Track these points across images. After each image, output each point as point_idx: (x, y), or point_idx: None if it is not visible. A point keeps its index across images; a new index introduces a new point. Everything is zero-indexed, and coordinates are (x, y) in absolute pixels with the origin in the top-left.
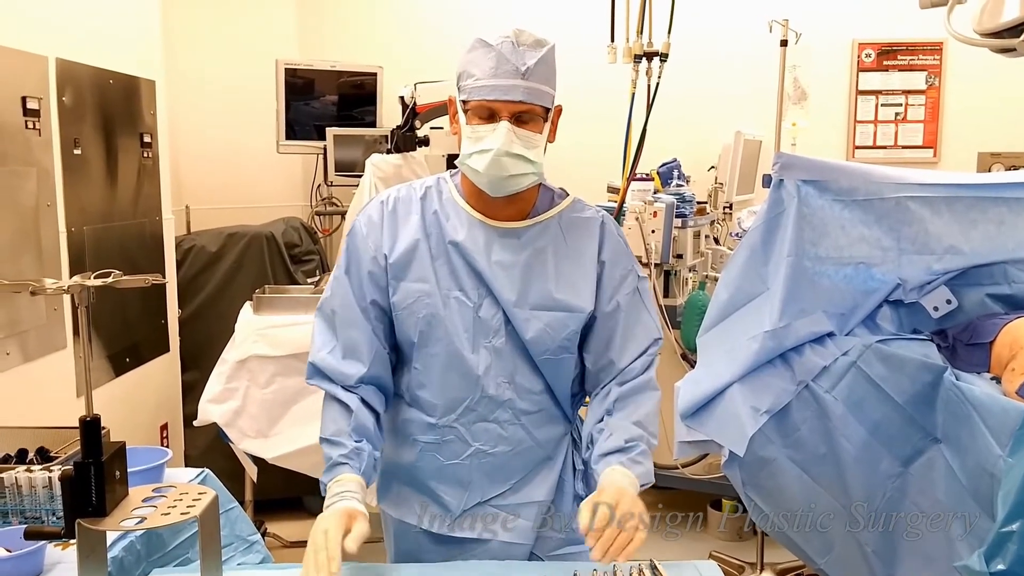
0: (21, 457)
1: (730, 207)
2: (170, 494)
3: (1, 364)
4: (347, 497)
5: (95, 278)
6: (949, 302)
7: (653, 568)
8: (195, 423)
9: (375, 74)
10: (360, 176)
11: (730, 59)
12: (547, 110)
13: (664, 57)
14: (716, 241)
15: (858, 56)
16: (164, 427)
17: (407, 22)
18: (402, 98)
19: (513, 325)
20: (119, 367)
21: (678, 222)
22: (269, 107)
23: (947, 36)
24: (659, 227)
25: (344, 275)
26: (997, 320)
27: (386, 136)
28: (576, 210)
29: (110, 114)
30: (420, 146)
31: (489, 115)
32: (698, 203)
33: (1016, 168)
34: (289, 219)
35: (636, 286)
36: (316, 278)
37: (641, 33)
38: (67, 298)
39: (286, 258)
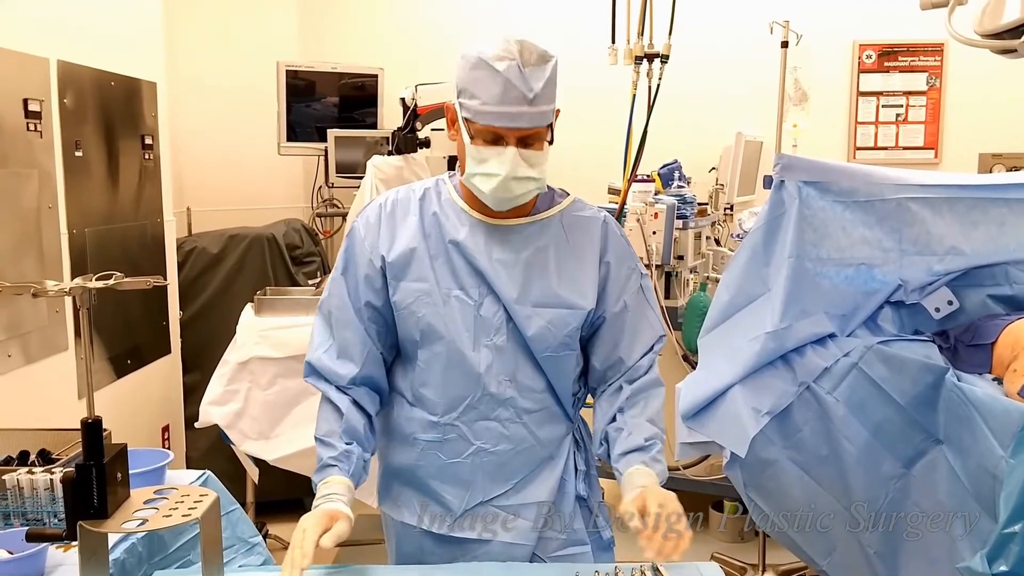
0: (23, 459)
1: (731, 208)
2: (171, 496)
3: (3, 366)
4: (333, 499)
5: (96, 280)
6: (950, 303)
7: (655, 570)
8: (196, 425)
9: (376, 76)
10: (361, 178)
11: (731, 60)
12: (550, 123)
13: (665, 59)
14: (717, 242)
15: (859, 57)
16: (165, 429)
17: (408, 24)
18: (403, 100)
19: (515, 323)
20: (120, 369)
21: (679, 223)
22: (270, 109)
23: (948, 37)
24: (660, 228)
25: (341, 276)
26: (999, 321)
27: (387, 138)
28: (577, 209)
29: (111, 116)
30: (421, 148)
31: (495, 138)
32: (699, 204)
33: (1017, 169)
34: (290, 221)
35: (640, 284)
36: (317, 280)
37: (642, 35)
38: (68, 300)
39: (287, 260)
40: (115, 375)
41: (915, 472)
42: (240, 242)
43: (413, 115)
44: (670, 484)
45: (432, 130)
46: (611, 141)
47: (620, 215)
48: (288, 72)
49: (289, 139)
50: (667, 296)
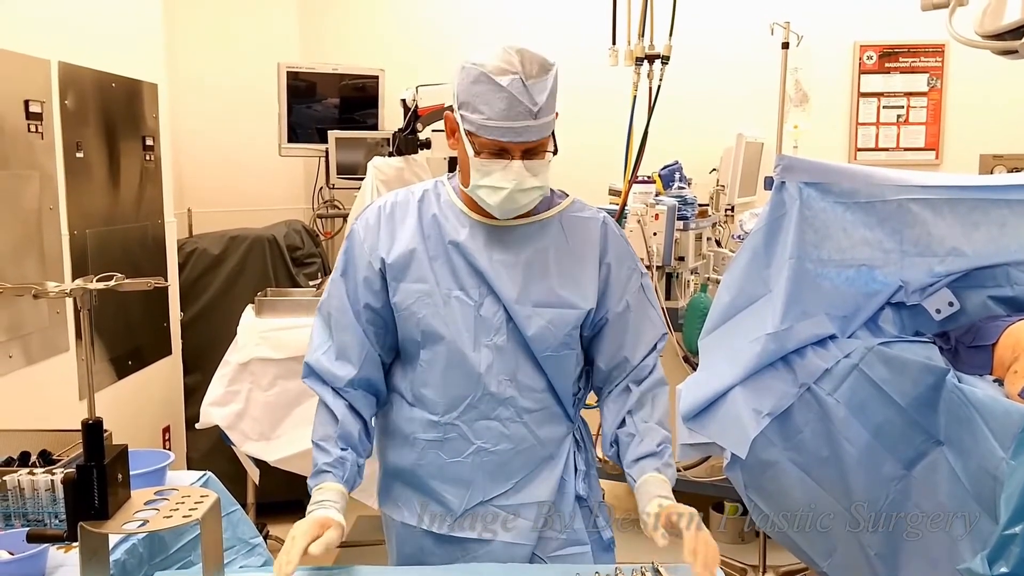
0: (24, 460)
1: (732, 209)
2: (172, 497)
3: (4, 367)
4: (326, 506)
5: (97, 281)
6: (951, 304)
7: (656, 571)
8: (197, 426)
9: (377, 77)
10: (362, 179)
11: (731, 61)
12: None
13: (665, 60)
14: (718, 243)
15: (860, 58)
16: (166, 430)
17: (408, 25)
18: (404, 101)
19: (515, 322)
20: (121, 370)
21: (680, 225)
22: (271, 110)
23: (949, 38)
24: (661, 230)
25: (340, 278)
26: (999, 322)
27: (388, 139)
28: (576, 210)
29: (112, 117)
30: (422, 149)
31: (499, 151)
32: (700, 205)
33: (1018, 170)
34: (291, 222)
35: (641, 283)
36: (318, 281)
37: (642, 36)
38: (69, 301)
39: (288, 261)
40: (116, 376)
41: (916, 473)
42: (241, 243)
43: (414, 116)
44: None
45: (433, 131)
46: (612, 142)
47: (621, 216)
48: (289, 73)
49: (290, 140)
50: (668, 297)
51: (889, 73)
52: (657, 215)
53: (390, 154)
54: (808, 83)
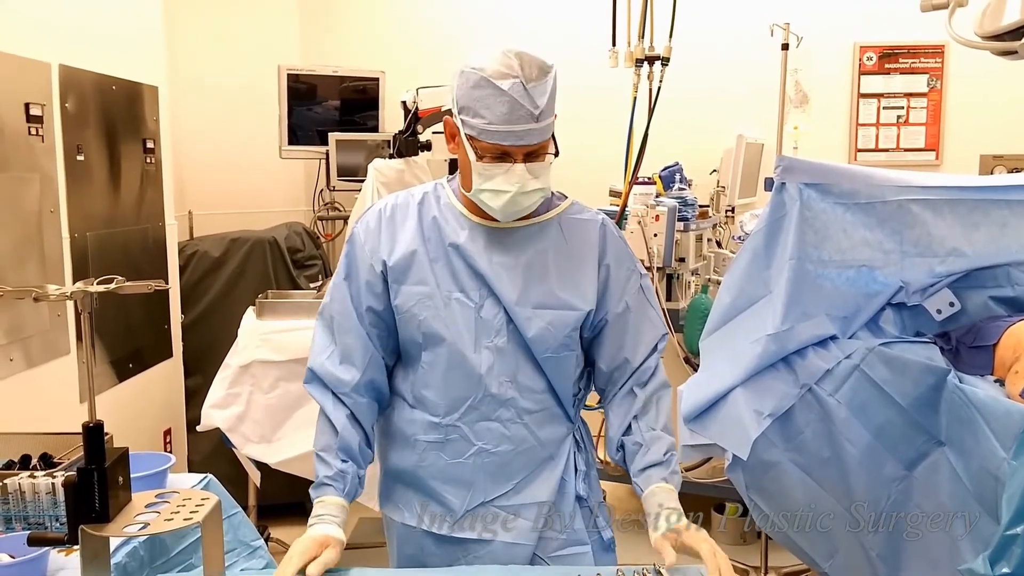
0: (24, 463)
1: (732, 210)
2: (173, 500)
3: (4, 370)
4: (326, 520)
5: (98, 284)
6: (952, 304)
7: (657, 572)
8: (198, 428)
9: (377, 79)
10: (362, 181)
11: (731, 62)
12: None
13: (666, 61)
14: (718, 244)
15: (859, 59)
16: (167, 432)
17: (409, 27)
18: (404, 103)
19: (515, 324)
20: (122, 373)
21: (680, 226)
22: (272, 112)
23: (948, 39)
24: (661, 231)
25: (343, 281)
26: (1000, 323)
27: (388, 141)
28: (575, 212)
29: (113, 120)
30: (423, 151)
31: (501, 155)
32: (700, 207)
33: (1018, 170)
34: (292, 224)
35: (640, 284)
36: (319, 283)
37: (642, 37)
38: (70, 304)
39: (289, 263)
40: (117, 379)
41: (917, 474)
42: (242, 245)
43: (414, 118)
44: None
45: (433, 133)
46: (612, 143)
47: (621, 217)
48: (289, 75)
49: (290, 142)
50: (669, 298)
51: (889, 74)
52: (657, 216)
53: (391, 156)
54: (808, 84)
